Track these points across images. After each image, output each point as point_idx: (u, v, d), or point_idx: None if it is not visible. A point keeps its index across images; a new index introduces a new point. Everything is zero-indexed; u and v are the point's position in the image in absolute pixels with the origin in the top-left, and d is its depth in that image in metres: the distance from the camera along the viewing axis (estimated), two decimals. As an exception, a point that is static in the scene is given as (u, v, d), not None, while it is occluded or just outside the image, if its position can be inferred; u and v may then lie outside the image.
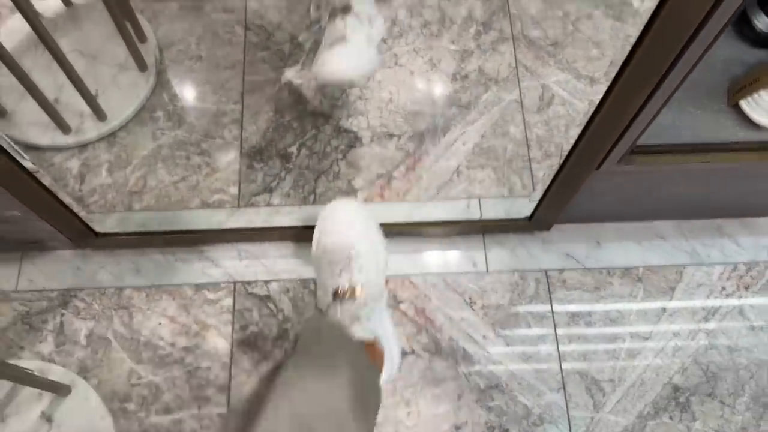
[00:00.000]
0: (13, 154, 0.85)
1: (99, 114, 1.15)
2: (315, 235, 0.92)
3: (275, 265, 1.11)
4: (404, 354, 1.05)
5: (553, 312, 1.09)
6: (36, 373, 0.96)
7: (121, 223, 1.11)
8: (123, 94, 1.19)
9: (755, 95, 0.88)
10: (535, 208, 1.06)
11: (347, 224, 0.90)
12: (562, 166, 0.90)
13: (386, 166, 1.17)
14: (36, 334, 1.06)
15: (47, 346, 1.05)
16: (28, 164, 0.88)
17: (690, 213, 1.15)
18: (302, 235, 1.12)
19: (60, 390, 1.00)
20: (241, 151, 1.17)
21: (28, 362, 1.03)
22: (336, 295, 0.84)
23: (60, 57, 1.04)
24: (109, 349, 1.05)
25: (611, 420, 1.03)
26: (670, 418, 1.03)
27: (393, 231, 1.12)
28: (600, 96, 0.74)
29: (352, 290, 0.84)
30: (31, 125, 1.15)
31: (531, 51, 1.27)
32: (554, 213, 1.07)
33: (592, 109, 0.77)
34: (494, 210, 1.14)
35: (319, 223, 0.93)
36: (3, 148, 0.82)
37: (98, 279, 1.09)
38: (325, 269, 0.87)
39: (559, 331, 1.08)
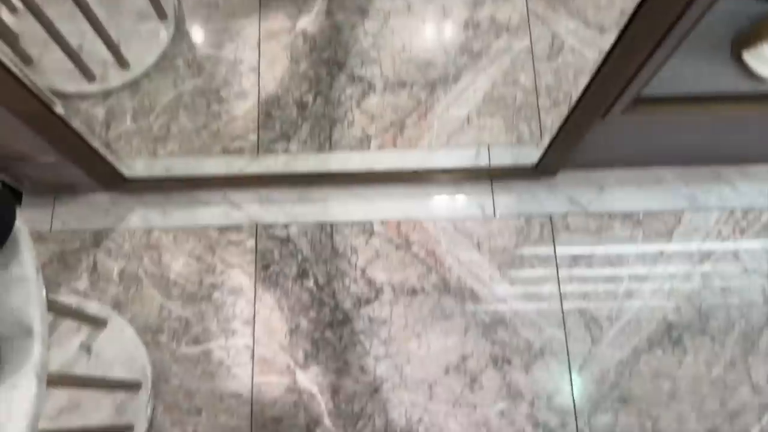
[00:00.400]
0: (45, 100, 0.88)
1: (122, 62, 1.19)
2: None
3: (294, 209, 1.17)
4: (414, 292, 1.12)
5: (556, 254, 1.16)
6: (74, 308, 1.04)
7: (147, 168, 1.16)
8: (144, 42, 1.22)
9: (759, 47, 0.90)
10: (542, 156, 1.10)
11: None
12: (569, 115, 0.94)
13: (399, 115, 1.21)
14: (71, 272, 1.13)
15: (82, 283, 1.12)
16: (59, 110, 0.92)
17: (691, 160, 1.19)
18: (319, 180, 1.18)
19: (97, 323, 1.08)
20: (259, 99, 1.21)
21: (66, 298, 1.11)
22: None
23: (83, 4, 1.06)
24: (141, 286, 1.12)
25: (607, 353, 1.10)
26: (663, 352, 1.11)
27: (405, 178, 1.18)
28: (608, 45, 0.77)
29: None
30: (57, 73, 1.18)
31: (542, -1, 1.28)
32: (560, 160, 1.12)
33: (600, 58, 0.80)
34: (502, 157, 1.18)
35: None
36: (35, 94, 0.86)
37: (127, 221, 1.16)
38: None
39: (562, 273, 1.15)
